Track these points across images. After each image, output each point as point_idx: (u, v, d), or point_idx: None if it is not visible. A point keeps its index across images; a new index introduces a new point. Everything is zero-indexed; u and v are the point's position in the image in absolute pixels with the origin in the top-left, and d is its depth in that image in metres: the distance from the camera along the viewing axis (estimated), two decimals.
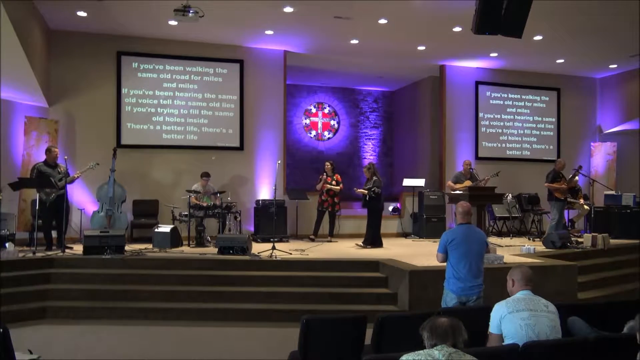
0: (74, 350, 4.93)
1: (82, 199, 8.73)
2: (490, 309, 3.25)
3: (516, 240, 9.50)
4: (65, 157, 7.70)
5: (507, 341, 3.07)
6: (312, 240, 9.01)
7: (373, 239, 8.37)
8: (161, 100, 9.43)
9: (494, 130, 11.47)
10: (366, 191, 8.27)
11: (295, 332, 3.64)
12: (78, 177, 7.69)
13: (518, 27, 5.75)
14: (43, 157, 8.35)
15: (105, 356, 4.81)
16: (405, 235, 10.43)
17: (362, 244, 8.36)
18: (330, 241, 9.07)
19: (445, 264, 4.54)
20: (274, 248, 7.20)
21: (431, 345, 2.37)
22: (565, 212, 9.52)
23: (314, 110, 14.08)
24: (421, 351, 2.37)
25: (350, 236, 9.37)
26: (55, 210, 7.25)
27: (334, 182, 9.01)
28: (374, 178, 8.33)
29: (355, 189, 8.58)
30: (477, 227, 5.27)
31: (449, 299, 4.42)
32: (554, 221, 8.94)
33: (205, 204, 8.28)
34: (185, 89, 9.56)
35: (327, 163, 9.22)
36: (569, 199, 9.25)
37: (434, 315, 2.54)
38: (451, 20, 8.21)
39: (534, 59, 10.54)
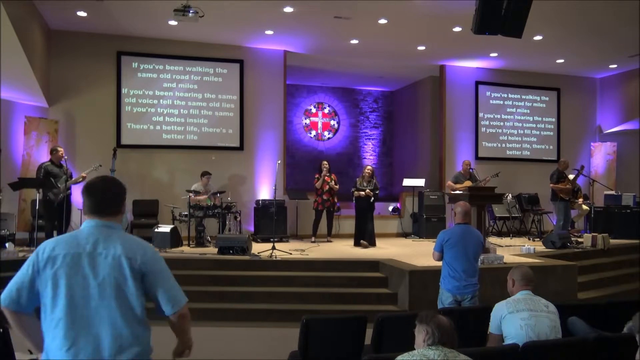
0: None
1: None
2: (489, 309, 3.26)
3: (516, 240, 9.50)
4: (65, 157, 7.69)
5: (507, 341, 3.07)
6: (314, 241, 9.01)
7: (373, 237, 8.56)
8: (161, 101, 9.43)
9: (494, 130, 11.47)
10: (371, 193, 8.41)
11: (295, 332, 3.64)
12: (84, 178, 7.67)
13: (518, 27, 5.75)
14: (42, 157, 8.37)
15: None
16: (405, 235, 10.43)
17: (367, 244, 8.46)
18: (330, 241, 9.08)
19: (441, 262, 4.58)
20: (274, 248, 7.20)
21: (432, 342, 2.27)
22: None
23: (314, 110, 14.08)
24: (415, 351, 2.31)
25: (350, 236, 9.36)
26: (60, 211, 7.23)
27: (332, 182, 9.01)
28: (374, 181, 8.60)
29: (365, 192, 8.52)
30: (475, 227, 5.29)
31: (445, 298, 4.48)
32: (561, 221, 8.97)
33: (205, 204, 8.27)
34: (185, 89, 9.56)
35: (325, 162, 9.18)
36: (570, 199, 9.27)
37: (431, 311, 2.46)
38: (451, 20, 8.21)
39: (534, 59, 10.54)
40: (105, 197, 2.05)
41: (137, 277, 1.96)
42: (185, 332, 2.11)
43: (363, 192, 8.44)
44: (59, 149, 7.52)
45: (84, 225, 2.04)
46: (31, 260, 1.94)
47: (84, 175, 7.62)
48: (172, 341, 2.22)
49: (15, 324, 1.95)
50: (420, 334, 2.33)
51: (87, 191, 2.06)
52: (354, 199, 8.62)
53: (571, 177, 9.20)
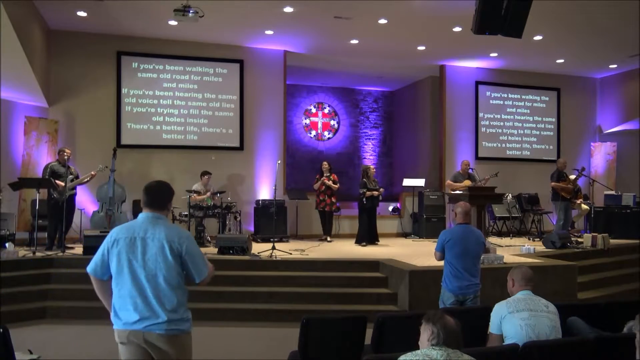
0: (74, 350, 4.93)
1: (82, 199, 8.72)
2: (490, 309, 3.26)
3: (516, 240, 9.50)
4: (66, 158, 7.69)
5: (507, 341, 3.07)
6: (329, 241, 9.08)
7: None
8: (161, 100, 9.43)
9: (494, 130, 11.47)
10: (380, 191, 8.77)
11: (295, 332, 3.64)
12: (89, 179, 7.67)
13: (518, 27, 5.75)
14: (42, 157, 8.38)
15: (105, 356, 4.80)
16: (405, 235, 10.43)
17: (377, 242, 8.78)
18: (330, 241, 9.09)
19: (442, 262, 4.58)
20: (274, 248, 7.20)
21: (436, 342, 2.26)
22: None
23: (314, 110, 14.08)
24: (418, 351, 2.30)
25: (350, 236, 9.37)
26: (65, 210, 7.21)
27: (330, 182, 9.03)
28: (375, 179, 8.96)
29: (379, 191, 8.82)
30: (475, 227, 5.29)
31: (446, 298, 4.47)
32: (561, 221, 8.96)
33: (205, 204, 8.26)
34: (185, 89, 9.56)
35: (325, 163, 9.25)
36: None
37: (439, 311, 2.44)
38: (451, 20, 8.21)
39: (534, 59, 10.54)
40: (157, 196, 2.74)
41: (176, 255, 2.60)
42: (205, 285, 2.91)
43: (376, 192, 8.65)
44: (67, 150, 7.57)
45: (140, 215, 2.70)
46: (105, 242, 2.65)
47: (88, 177, 7.61)
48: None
49: (96, 287, 2.71)
50: (425, 333, 2.32)
51: (146, 190, 2.73)
52: (364, 199, 8.65)
53: (572, 177, 9.20)
